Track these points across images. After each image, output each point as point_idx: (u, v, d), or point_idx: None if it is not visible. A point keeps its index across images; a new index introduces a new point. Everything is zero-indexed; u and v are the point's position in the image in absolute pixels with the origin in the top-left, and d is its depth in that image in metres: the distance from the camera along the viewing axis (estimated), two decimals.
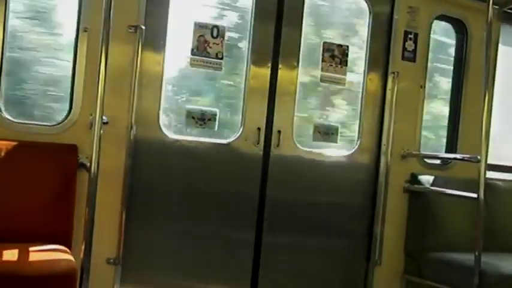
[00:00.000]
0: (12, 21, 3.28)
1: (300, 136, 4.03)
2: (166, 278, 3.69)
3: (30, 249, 2.83)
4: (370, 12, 4.22)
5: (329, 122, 4.15)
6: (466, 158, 4.13)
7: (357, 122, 4.23)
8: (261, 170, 3.92)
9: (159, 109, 3.61)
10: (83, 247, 2.76)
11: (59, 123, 3.36)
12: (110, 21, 2.80)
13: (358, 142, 4.23)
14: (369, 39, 4.22)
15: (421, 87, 4.39)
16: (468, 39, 4.57)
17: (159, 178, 3.65)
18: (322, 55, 4.05)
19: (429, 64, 4.42)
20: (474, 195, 3.74)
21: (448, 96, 4.64)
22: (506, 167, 4.88)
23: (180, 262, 3.71)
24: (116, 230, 3.42)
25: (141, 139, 3.53)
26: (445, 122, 4.64)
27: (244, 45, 3.84)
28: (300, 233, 4.06)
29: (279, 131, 3.93)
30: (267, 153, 3.92)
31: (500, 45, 4.67)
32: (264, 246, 3.92)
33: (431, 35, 4.43)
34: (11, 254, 2.72)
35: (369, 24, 4.22)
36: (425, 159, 4.45)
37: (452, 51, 4.65)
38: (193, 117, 3.69)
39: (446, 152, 4.65)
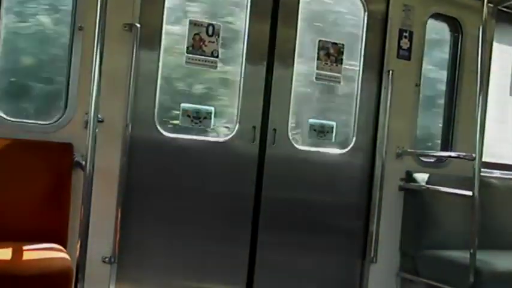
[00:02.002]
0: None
1: (295, 134, 4.03)
2: (162, 276, 3.69)
3: (25, 247, 2.83)
4: (365, 11, 4.22)
5: (324, 120, 4.16)
6: (461, 156, 4.14)
7: (352, 120, 4.24)
8: (257, 168, 3.92)
9: (154, 107, 3.61)
10: (78, 245, 2.76)
11: (54, 122, 3.36)
12: (105, 20, 2.79)
13: (354, 140, 4.24)
14: (364, 37, 4.22)
15: (416, 85, 4.40)
16: (463, 38, 4.58)
17: (154, 176, 3.65)
18: (318, 53, 4.06)
19: None
20: (469, 193, 3.75)
21: None
22: (501, 164, 4.90)
23: (176, 260, 3.71)
24: (111, 228, 3.42)
25: (137, 137, 3.53)
26: None
27: (240, 43, 3.84)
28: (296, 231, 4.06)
29: (275, 129, 3.93)
30: (262, 151, 3.92)
31: (494, 43, 4.69)
32: (259, 244, 3.92)
33: None
34: (5, 253, 2.71)
35: (364, 23, 4.22)
36: (421, 157, 4.46)
37: None
38: (188, 116, 3.69)
39: (441, 150, 4.66)
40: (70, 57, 3.37)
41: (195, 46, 3.68)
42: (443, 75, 4.66)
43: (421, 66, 4.42)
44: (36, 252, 2.82)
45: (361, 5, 4.21)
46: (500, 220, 4.46)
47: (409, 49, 4.34)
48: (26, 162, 3.17)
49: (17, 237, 2.92)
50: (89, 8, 3.21)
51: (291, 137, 4.00)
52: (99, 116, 2.82)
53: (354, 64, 4.21)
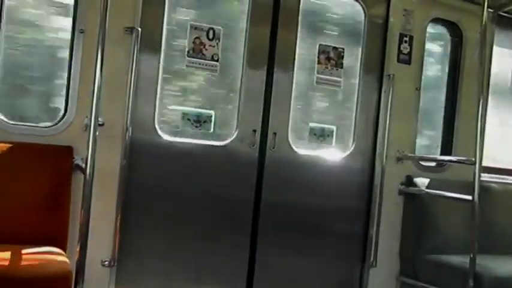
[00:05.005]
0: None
1: (295, 138, 4.03)
2: (162, 279, 3.68)
3: (25, 251, 2.83)
4: (365, 15, 4.23)
5: (324, 124, 4.16)
6: (461, 160, 4.14)
7: (353, 124, 4.24)
8: (257, 172, 3.92)
9: (154, 111, 3.61)
10: (78, 249, 2.76)
11: (55, 125, 3.36)
12: (105, 23, 2.80)
13: (354, 144, 4.24)
14: (364, 41, 4.23)
15: (416, 89, 4.40)
16: (463, 42, 4.59)
17: (154, 180, 3.65)
18: (318, 57, 4.06)
19: None
20: (469, 197, 3.75)
21: None
22: (501, 169, 4.90)
23: (176, 264, 3.71)
24: (111, 231, 3.41)
25: (137, 141, 3.53)
26: None
27: (240, 47, 3.84)
28: (295, 235, 4.06)
29: (275, 133, 3.93)
30: (262, 155, 3.92)
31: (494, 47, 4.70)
32: (259, 247, 3.92)
33: None
34: (5, 256, 2.70)
35: (364, 27, 4.23)
36: (421, 162, 4.46)
37: None
38: (188, 119, 3.69)
39: (441, 154, 4.66)
40: (71, 60, 3.37)
41: (196, 50, 3.68)
42: None
43: (421, 70, 4.43)
44: (35, 256, 2.82)
45: (361, 9, 4.22)
46: (500, 225, 4.45)
47: (409, 53, 4.35)
48: (26, 165, 3.17)
49: (17, 240, 2.92)
50: (90, 11, 3.22)
51: (291, 141, 4.00)
52: (99, 119, 2.82)
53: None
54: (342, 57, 4.14)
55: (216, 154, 3.81)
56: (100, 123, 2.89)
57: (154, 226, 3.65)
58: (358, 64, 4.22)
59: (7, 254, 2.73)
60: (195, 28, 3.68)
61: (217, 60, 3.73)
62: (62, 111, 3.38)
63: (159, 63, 3.61)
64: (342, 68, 4.14)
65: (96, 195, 2.81)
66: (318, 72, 4.08)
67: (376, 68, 4.27)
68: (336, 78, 4.13)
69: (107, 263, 3.43)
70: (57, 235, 3.12)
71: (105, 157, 3.16)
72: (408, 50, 4.35)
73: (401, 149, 4.33)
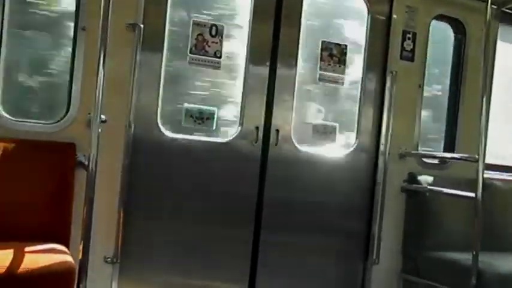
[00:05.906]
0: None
1: (298, 135, 4.03)
2: (165, 276, 3.69)
3: (28, 248, 2.82)
4: (368, 12, 4.22)
5: (327, 121, 4.15)
6: (464, 158, 4.13)
7: (355, 121, 4.24)
8: (259, 168, 3.92)
9: (157, 107, 3.61)
10: (81, 246, 2.76)
11: (57, 122, 3.36)
12: (108, 20, 2.80)
13: (356, 141, 4.23)
14: (367, 38, 4.22)
15: (419, 86, 4.39)
16: (466, 39, 4.58)
17: (157, 177, 3.65)
18: (321, 54, 4.05)
19: None
20: (472, 194, 3.74)
21: None
22: (504, 166, 4.89)
23: (178, 260, 3.71)
24: (114, 228, 3.42)
25: (140, 137, 3.53)
26: None
27: (243, 44, 3.84)
28: (298, 232, 4.06)
29: (277, 130, 3.93)
30: (265, 152, 3.92)
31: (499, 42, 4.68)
32: (261, 245, 3.92)
33: None
34: (8, 253, 2.70)
35: (367, 24, 4.22)
36: (423, 159, 4.46)
37: None
38: (191, 116, 3.69)
39: (444, 151, 4.66)
40: (73, 58, 3.37)
41: (198, 46, 3.67)
42: None
43: (425, 67, 4.41)
44: (38, 253, 2.81)
45: (364, 6, 4.21)
46: (503, 222, 4.45)
47: (413, 50, 4.34)
48: (29, 162, 3.17)
49: (20, 237, 2.92)
50: (92, 8, 3.22)
51: (293, 138, 4.00)
52: (101, 116, 2.82)
53: None
54: (345, 54, 4.13)
55: (219, 151, 3.81)
56: (102, 120, 2.89)
57: (157, 222, 3.66)
58: (361, 61, 4.21)
59: (10, 251, 2.72)
60: (197, 24, 3.68)
61: (220, 57, 3.72)
62: (65, 108, 3.38)
63: (161, 59, 3.60)
64: (344, 64, 4.13)
65: (99, 192, 2.82)
66: (320, 69, 4.07)
67: (379, 65, 4.27)
68: (338, 75, 4.12)
69: (109, 259, 3.43)
70: (60, 232, 3.12)
71: (107, 154, 3.17)
72: (411, 47, 4.34)
73: (404, 146, 4.33)
